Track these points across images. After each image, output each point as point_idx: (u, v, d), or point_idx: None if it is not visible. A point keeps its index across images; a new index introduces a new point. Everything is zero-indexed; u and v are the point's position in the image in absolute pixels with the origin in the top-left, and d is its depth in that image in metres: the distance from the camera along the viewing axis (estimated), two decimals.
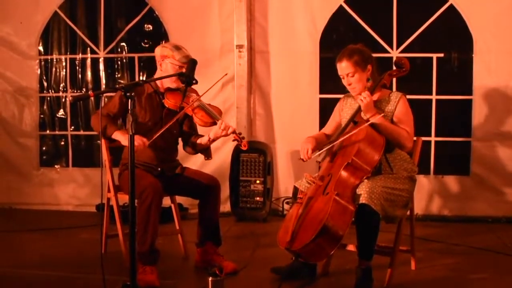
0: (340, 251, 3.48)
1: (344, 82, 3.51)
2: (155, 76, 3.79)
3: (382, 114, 3.36)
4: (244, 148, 3.62)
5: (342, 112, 3.68)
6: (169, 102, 3.69)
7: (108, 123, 3.66)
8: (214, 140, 3.71)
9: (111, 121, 3.71)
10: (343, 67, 3.46)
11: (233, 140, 3.64)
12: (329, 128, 3.76)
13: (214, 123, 3.63)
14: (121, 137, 3.62)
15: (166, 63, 3.71)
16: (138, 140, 3.51)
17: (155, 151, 3.76)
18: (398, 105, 3.44)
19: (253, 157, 5.44)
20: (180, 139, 3.98)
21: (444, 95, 5.35)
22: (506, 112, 5.21)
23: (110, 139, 3.71)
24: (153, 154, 3.77)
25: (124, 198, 3.86)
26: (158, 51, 3.76)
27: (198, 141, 3.80)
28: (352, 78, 3.45)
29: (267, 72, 5.68)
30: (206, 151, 3.84)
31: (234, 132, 3.60)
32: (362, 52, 3.49)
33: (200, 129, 3.93)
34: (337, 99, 3.82)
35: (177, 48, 3.71)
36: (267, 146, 5.48)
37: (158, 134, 3.58)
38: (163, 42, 5.59)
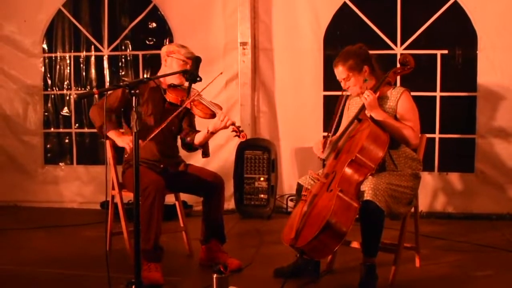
0: (344, 248, 3.49)
1: (342, 85, 3.55)
2: (159, 73, 3.82)
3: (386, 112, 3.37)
4: (242, 140, 3.62)
5: (349, 111, 3.68)
6: (171, 96, 3.73)
7: (106, 121, 3.68)
8: (213, 133, 3.71)
9: (109, 118, 3.73)
10: (339, 72, 3.52)
11: (232, 132, 3.62)
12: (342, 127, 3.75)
13: (214, 115, 3.65)
14: (116, 138, 3.69)
15: (172, 58, 3.79)
16: (131, 144, 3.53)
17: (156, 147, 3.77)
18: (400, 101, 3.42)
19: (257, 154, 5.45)
20: (178, 137, 3.99)
21: (449, 92, 5.33)
22: (511, 109, 5.19)
23: (106, 136, 3.74)
24: (155, 151, 3.78)
25: (128, 196, 3.87)
26: (164, 48, 3.88)
27: (196, 136, 3.81)
28: (349, 82, 3.50)
29: (271, 70, 5.68)
30: (204, 147, 3.84)
31: (233, 124, 3.60)
32: (358, 54, 3.50)
33: (200, 124, 3.92)
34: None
35: (183, 46, 3.85)
36: (271, 144, 5.48)
37: (156, 132, 3.58)
38: (167, 41, 5.63)
